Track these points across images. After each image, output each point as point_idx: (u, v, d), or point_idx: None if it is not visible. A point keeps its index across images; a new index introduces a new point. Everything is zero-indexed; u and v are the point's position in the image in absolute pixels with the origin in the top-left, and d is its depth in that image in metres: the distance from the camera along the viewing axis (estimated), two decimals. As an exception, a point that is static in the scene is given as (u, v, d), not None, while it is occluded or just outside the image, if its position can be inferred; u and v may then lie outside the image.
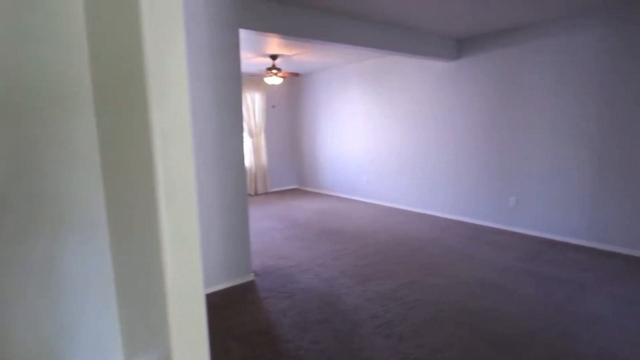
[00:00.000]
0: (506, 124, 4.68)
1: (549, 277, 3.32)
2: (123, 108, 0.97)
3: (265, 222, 5.42)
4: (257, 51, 5.29)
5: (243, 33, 3.48)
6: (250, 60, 5.83)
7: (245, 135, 7.46)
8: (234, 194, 3.21)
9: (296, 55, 5.63)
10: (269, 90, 7.73)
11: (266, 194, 7.75)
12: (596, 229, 4.04)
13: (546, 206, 4.41)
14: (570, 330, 2.47)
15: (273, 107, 7.85)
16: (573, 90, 4.07)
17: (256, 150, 7.61)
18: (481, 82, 4.87)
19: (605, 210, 3.96)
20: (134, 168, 1.09)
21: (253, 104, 7.42)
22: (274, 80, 5.97)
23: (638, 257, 3.72)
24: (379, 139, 6.37)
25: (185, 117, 1.12)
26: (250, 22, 3.25)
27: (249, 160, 7.59)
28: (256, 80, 7.29)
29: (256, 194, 7.66)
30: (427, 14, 3.85)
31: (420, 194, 5.81)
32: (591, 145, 4.00)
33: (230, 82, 3.11)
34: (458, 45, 5.06)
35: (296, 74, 6.07)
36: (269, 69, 5.79)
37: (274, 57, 5.58)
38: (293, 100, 8.15)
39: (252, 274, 3.42)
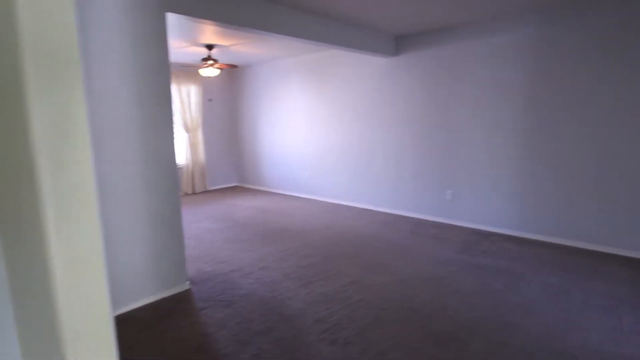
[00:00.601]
0: (443, 120, 4.81)
1: (485, 267, 3.45)
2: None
3: (203, 223, 5.10)
4: (190, 40, 4.92)
5: (173, 19, 3.17)
6: (184, 49, 5.43)
7: (181, 130, 6.99)
8: (165, 194, 2.91)
9: (234, 45, 5.34)
10: (205, 83, 7.30)
11: (205, 192, 7.35)
12: (524, 219, 4.29)
13: (479, 199, 4.61)
14: (509, 320, 2.55)
15: (210, 100, 7.43)
16: (503, 88, 4.27)
17: (193, 147, 7.17)
18: (419, 79, 4.95)
19: (532, 202, 4.21)
20: (17, 175, 0.87)
21: (188, 97, 6.96)
22: (211, 71, 5.62)
23: (562, 245, 4.00)
24: (321, 134, 6.28)
25: (78, 113, 0.89)
26: (179, 5, 2.95)
27: (185, 157, 7.13)
28: (191, 71, 6.84)
29: (194, 193, 7.23)
30: (366, 8, 3.79)
31: (363, 189, 5.83)
32: (519, 140, 4.22)
33: (157, 73, 2.79)
34: (397, 41, 5.10)
35: (234, 66, 5.77)
36: (205, 59, 5.44)
37: (209, 47, 5.23)
38: (232, 93, 7.80)
39: (188, 282, 3.15)
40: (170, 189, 2.94)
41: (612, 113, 3.63)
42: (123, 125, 2.65)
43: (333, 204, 6.16)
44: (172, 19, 3.22)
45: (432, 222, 4.99)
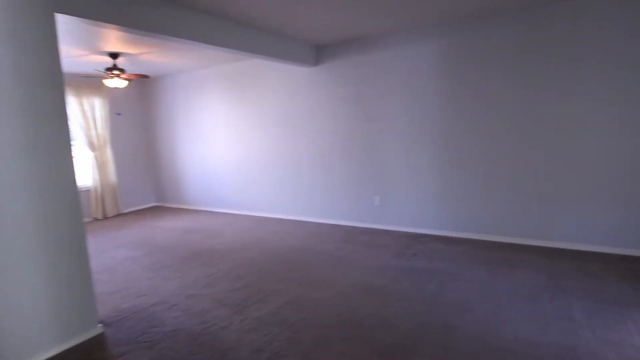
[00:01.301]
0: (366, 127, 4.88)
1: (420, 270, 3.50)
2: None
3: (118, 251, 4.53)
4: (91, 47, 4.39)
5: (66, 22, 2.75)
6: (83, 58, 4.84)
7: (84, 149, 6.22)
8: (64, 224, 2.46)
9: (143, 54, 4.88)
10: (112, 95, 6.62)
11: (119, 216, 6.62)
12: (448, 219, 4.50)
13: (406, 202, 4.75)
14: (448, 322, 2.57)
15: (118, 114, 6.75)
16: (420, 97, 4.46)
17: (101, 166, 6.42)
18: (341, 88, 4.99)
19: (453, 202, 4.44)
20: None
21: (92, 112, 6.23)
22: (117, 82, 5.08)
23: (484, 240, 4.26)
24: (245, 146, 6.03)
25: None
26: (70, 5, 2.55)
27: (91, 179, 6.35)
28: (94, 83, 6.15)
29: (105, 218, 6.47)
30: (286, 17, 3.70)
31: (291, 200, 5.69)
32: (437, 144, 4.43)
33: (48, 85, 2.36)
34: (317, 51, 5.09)
35: (145, 76, 5.29)
36: (109, 69, 4.90)
37: (114, 55, 4.72)
38: (145, 106, 7.18)
39: (100, 324, 2.71)
40: (71, 216, 2.50)
41: (517, 117, 3.97)
42: (5, 150, 2.18)
43: (262, 217, 5.93)
44: (65, 22, 2.79)
45: (364, 228, 5.02)
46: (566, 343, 2.28)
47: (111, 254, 4.42)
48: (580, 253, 3.74)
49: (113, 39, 4.09)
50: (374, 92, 4.76)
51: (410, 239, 4.48)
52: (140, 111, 7.18)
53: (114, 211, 6.62)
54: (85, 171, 6.34)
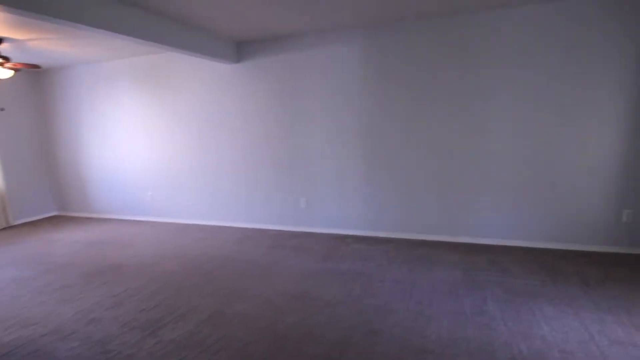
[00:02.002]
0: (290, 127, 4.76)
1: (346, 273, 3.47)
2: None
3: (3, 272, 3.85)
4: (-40, 30, 3.66)
5: None
6: (-48, 42, 4.03)
7: (-40, 150, 5.24)
8: None
9: (33, 40, 4.22)
10: (-4, 88, 5.68)
11: (8, 229, 5.70)
12: (371, 219, 4.56)
13: (331, 203, 4.72)
14: (374, 327, 2.54)
15: (1, 109, 5.79)
16: (344, 96, 4.45)
17: (-17, 171, 5.47)
18: (265, 87, 4.80)
19: (376, 202, 4.50)
20: None
21: (-31, 107, 5.27)
22: (0, 72, 4.33)
23: (405, 239, 4.37)
24: (162, 147, 5.55)
25: None
26: None
27: (-30, 186, 5.38)
28: (-29, 73, 5.20)
29: (-11, 231, 5.53)
30: (203, 8, 3.42)
31: (215, 204, 5.37)
32: (359, 145, 4.46)
33: None
34: (239, 47, 4.84)
35: (36, 66, 4.57)
36: (-12, 57, 4.15)
37: (-7, 41, 4.01)
38: (38, 101, 6.27)
39: (-32, 367, 2.22)
40: None
41: (435, 120, 4.13)
42: None
43: (182, 224, 5.51)
44: None
45: (291, 232, 4.90)
46: (483, 338, 2.37)
47: (-6, 276, 3.74)
48: (492, 247, 4.01)
49: (-10, 21, 3.45)
50: (298, 91, 4.65)
51: (338, 240, 4.45)
52: (34, 107, 6.25)
53: (2, 223, 5.68)
54: (-38, 177, 5.35)
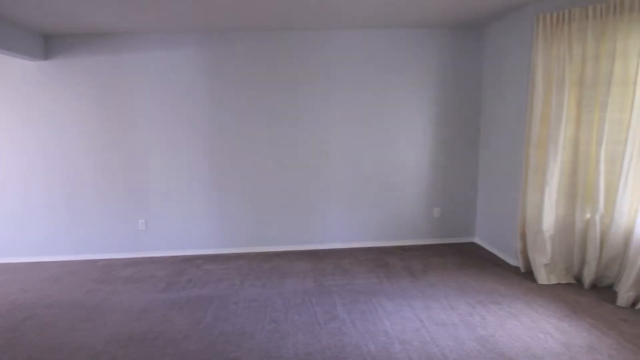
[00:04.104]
0: (121, 141, 4.14)
1: (194, 300, 3.15)
2: None
3: None
4: None
5: None
6: None
7: None
8: None
9: None
10: None
11: None
12: (223, 235, 4.33)
13: (177, 223, 4.29)
14: (230, 357, 2.34)
15: None
16: (181, 106, 4.11)
17: None
18: (82, 89, 4.05)
19: (225, 217, 4.30)
20: None
21: None
22: None
23: (257, 253, 4.28)
24: None
25: None
26: None
27: None
28: None
29: None
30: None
31: (20, 235, 4.24)
32: (205, 157, 4.20)
33: None
34: (46, 42, 3.97)
35: None
36: None
37: None
38: None
39: None
40: None
41: (271, 131, 4.18)
42: None
43: (-33, 267, 4.18)
44: None
45: (127, 259, 4.23)
46: (337, 344, 2.45)
47: None
48: (337, 251, 4.27)
49: None
50: (131, 96, 4.08)
51: (184, 263, 4.05)
52: None
53: None
54: None
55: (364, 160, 4.28)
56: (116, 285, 3.52)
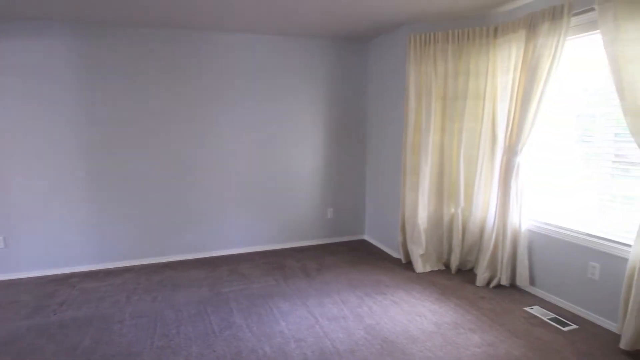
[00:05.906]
0: (-30, 143, 3.48)
1: (68, 324, 2.80)
2: None
3: None
4: None
5: None
6: None
7: None
8: None
9: None
10: None
11: None
12: (106, 249, 3.92)
13: (45, 237, 3.75)
14: (109, 383, 2.15)
15: None
16: (52, 104, 3.62)
17: None
18: None
19: (105, 228, 3.90)
20: None
21: None
22: None
23: (146, 265, 3.98)
24: None
25: None
26: None
27: None
28: None
29: None
30: None
31: None
32: (80, 162, 3.77)
33: None
34: None
35: None
36: None
37: None
38: None
39: None
40: None
41: (164, 135, 3.96)
42: None
43: None
44: None
45: (-23, 285, 3.56)
46: (232, 351, 2.42)
47: None
48: (234, 257, 4.21)
49: None
50: (-23, 95, 3.44)
51: (56, 283, 3.56)
52: None
53: None
54: None
55: (258, 165, 4.30)
56: (-38, 318, 2.94)
